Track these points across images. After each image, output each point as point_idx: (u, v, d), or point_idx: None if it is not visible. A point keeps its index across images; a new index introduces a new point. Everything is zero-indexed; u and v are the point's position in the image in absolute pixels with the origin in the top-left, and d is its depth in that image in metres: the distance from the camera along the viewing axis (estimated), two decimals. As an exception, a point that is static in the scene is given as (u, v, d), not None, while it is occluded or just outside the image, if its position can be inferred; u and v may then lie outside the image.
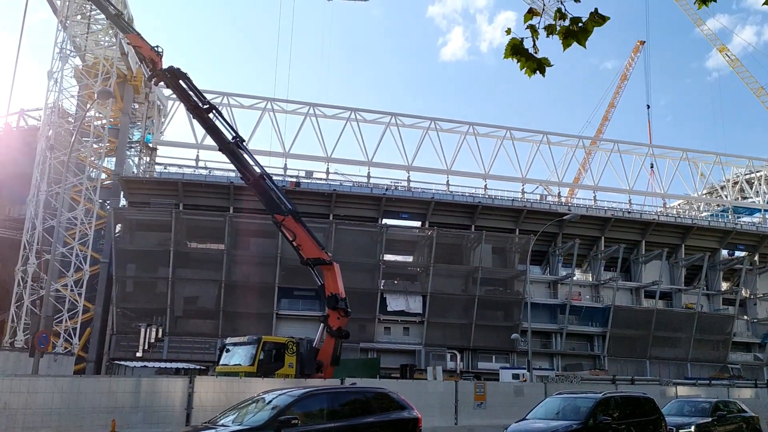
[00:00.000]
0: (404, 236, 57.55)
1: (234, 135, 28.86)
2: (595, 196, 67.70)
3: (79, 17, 46.67)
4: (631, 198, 67.98)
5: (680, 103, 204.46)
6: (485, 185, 63.89)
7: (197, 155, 58.78)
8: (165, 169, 58.38)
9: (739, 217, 76.09)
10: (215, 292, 50.97)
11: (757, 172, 76.09)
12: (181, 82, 29.12)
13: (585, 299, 60.68)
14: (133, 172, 56.06)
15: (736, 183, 76.82)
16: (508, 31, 5.47)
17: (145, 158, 59.19)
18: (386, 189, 59.32)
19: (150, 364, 41.32)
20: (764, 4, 4.32)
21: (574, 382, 37.74)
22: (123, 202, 53.57)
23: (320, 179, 60.49)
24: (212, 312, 50.64)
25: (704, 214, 77.51)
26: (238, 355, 25.15)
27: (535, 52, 5.38)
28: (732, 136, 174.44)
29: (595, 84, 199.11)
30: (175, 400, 14.80)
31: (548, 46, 5.66)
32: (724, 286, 66.57)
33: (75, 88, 47.63)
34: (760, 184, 75.16)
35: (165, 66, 29.58)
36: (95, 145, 48.50)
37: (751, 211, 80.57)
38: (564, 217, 45.20)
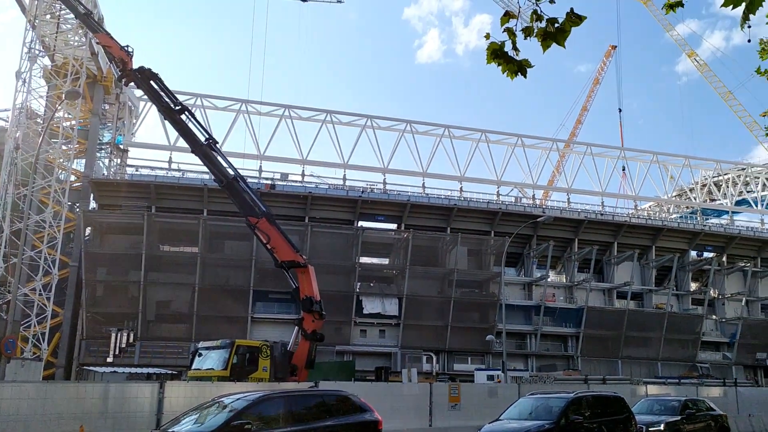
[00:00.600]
0: (380, 239, 57.56)
1: (207, 137, 28.61)
2: (569, 198, 68.44)
3: (48, 17, 45.80)
4: (604, 200, 68.93)
5: (651, 107, 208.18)
6: (461, 187, 64.19)
7: (170, 157, 58.06)
8: (137, 171, 57.56)
9: (707, 219, 77.50)
10: (189, 295, 50.38)
11: (725, 174, 77.63)
12: (152, 82, 28.82)
13: (559, 300, 61.29)
14: (104, 174, 55.16)
15: (704, 185, 78.28)
16: (487, 36, 5.47)
17: (115, 160, 58.24)
18: (362, 191, 59.24)
19: (120, 370, 40.73)
20: (723, 6, 4.37)
21: (548, 382, 38.10)
22: (93, 204, 52.70)
23: (295, 181, 60.18)
24: (185, 316, 50.04)
25: (674, 216, 78.86)
26: (211, 359, 24.87)
27: (516, 54, 5.39)
28: (701, 140, 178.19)
29: (568, 87, 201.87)
30: (144, 406, 14.58)
31: (527, 48, 5.68)
32: (693, 286, 67.76)
33: (44, 88, 46.77)
34: (728, 187, 76.70)
35: (135, 66, 29.23)
36: (64, 147, 47.61)
37: (719, 213, 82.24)
38: (538, 219, 45.60)
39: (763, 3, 4.33)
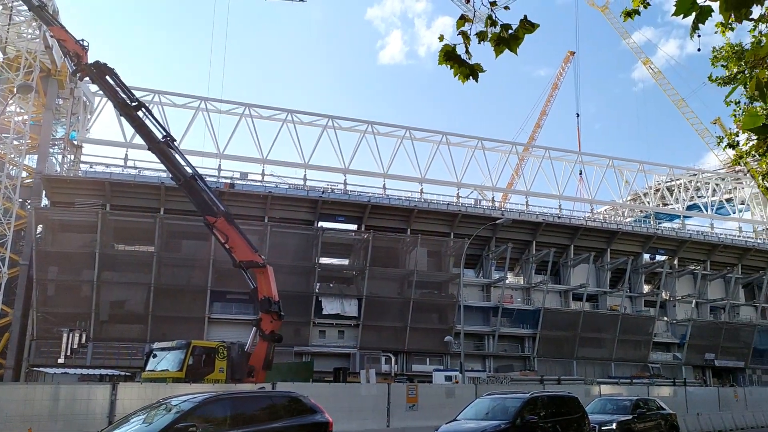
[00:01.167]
0: (340, 239, 57.43)
1: (164, 134, 28.10)
2: (527, 201, 69.52)
3: (0, 8, 44.45)
4: (561, 203, 70.18)
5: (608, 112, 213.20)
6: (421, 189, 64.58)
7: (126, 154, 56.92)
8: (91, 167, 56.18)
9: (660, 223, 79.69)
10: (144, 295, 49.41)
11: (677, 180, 79.97)
12: (107, 77, 28.16)
13: (517, 302, 62.15)
14: (57, 171, 53.61)
15: (657, 190, 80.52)
16: (441, 38, 5.52)
17: (69, 156, 56.72)
18: (322, 192, 59.08)
19: (72, 371, 39.76)
20: (674, 14, 4.51)
21: (504, 383, 38.55)
22: (45, 201, 51.20)
23: (255, 181, 59.64)
24: (141, 316, 49.05)
25: (628, 219, 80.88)
26: (166, 361, 24.47)
27: (469, 58, 5.43)
28: (655, 145, 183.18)
29: (528, 90, 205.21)
30: (96, 408, 14.28)
31: (483, 53, 5.74)
32: (646, 288, 69.54)
33: (-5, 81, 45.35)
34: (680, 192, 79.02)
35: (91, 60, 28.53)
36: (15, 142, 46.31)
37: (671, 217, 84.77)
38: (497, 222, 46.10)
39: (712, 13, 4.47)
